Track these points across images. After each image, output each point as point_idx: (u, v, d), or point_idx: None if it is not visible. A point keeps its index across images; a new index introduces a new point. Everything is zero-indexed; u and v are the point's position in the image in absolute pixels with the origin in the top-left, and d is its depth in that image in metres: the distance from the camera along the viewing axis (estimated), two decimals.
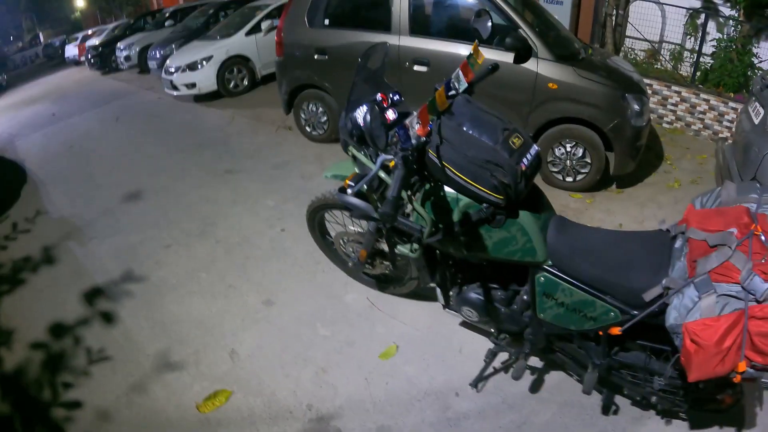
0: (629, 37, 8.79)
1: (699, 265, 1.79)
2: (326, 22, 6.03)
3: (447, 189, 2.28)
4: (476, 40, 2.32)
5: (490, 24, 2.36)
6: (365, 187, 2.10)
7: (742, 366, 1.69)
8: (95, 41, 17.67)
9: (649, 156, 5.67)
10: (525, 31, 4.64)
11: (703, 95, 6.58)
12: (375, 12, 5.74)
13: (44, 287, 4.47)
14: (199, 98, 9.88)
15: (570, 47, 5.07)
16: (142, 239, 4.90)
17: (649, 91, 6.91)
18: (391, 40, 5.34)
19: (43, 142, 9.43)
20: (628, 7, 8.62)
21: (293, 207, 4.94)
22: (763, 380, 1.75)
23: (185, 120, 9.01)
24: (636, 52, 8.68)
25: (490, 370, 2.87)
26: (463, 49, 4.89)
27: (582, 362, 2.50)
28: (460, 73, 2.19)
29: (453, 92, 2.22)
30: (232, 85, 9.88)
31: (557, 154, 4.87)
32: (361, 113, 2.35)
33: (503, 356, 2.92)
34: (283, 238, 4.52)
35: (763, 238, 1.74)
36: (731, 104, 6.31)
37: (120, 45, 14.88)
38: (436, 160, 2.15)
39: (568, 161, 4.85)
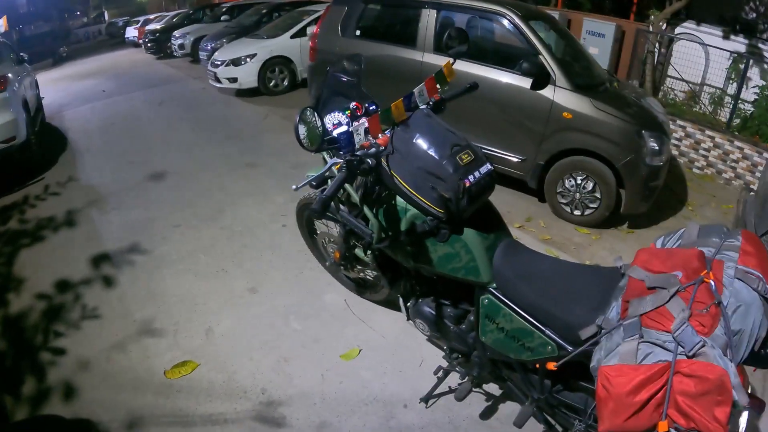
0: (670, 76, 8.62)
1: (631, 307, 1.64)
2: (358, 33, 6.20)
3: (399, 199, 2.31)
4: (450, 59, 2.38)
5: (465, 46, 2.42)
6: (319, 184, 2.15)
7: (663, 426, 1.48)
8: (154, 26, 18.33)
9: (670, 199, 5.55)
10: (545, 58, 4.63)
11: (737, 143, 6.37)
12: (404, 27, 5.87)
13: (60, 246, 4.76)
14: (240, 93, 10.14)
15: (591, 78, 5.03)
16: (156, 216, 5.13)
17: (683, 134, 6.80)
18: (416, 56, 5.47)
19: (88, 115, 9.80)
20: (672, 46, 8.48)
21: None
22: None
23: (222, 112, 9.26)
24: (675, 92, 8.51)
25: (444, 388, 2.83)
26: (485, 71, 4.93)
27: (526, 394, 2.39)
28: (424, 87, 2.25)
29: (421, 106, 2.28)
30: (272, 83, 10.09)
31: (567, 185, 4.81)
32: (329, 119, 2.42)
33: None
34: (282, 233, 4.64)
35: (713, 286, 1.55)
36: (766, 155, 6.05)
37: (176, 33, 15.33)
38: (387, 168, 2.19)
39: (577, 194, 4.78)
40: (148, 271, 4.20)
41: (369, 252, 2.66)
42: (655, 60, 8.43)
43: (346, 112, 2.38)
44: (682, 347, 1.47)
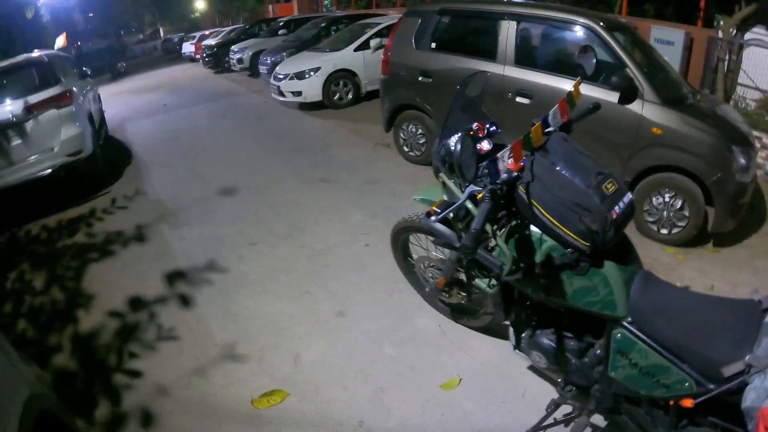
0: (741, 84, 8.30)
1: None
2: (433, 45, 6.09)
3: (533, 228, 2.21)
4: (578, 78, 2.27)
5: (594, 61, 2.31)
6: (451, 215, 2.07)
7: None
8: (211, 41, 18.81)
9: (751, 216, 5.31)
10: (632, 70, 4.49)
11: None
12: (482, 40, 5.75)
13: (131, 262, 4.77)
14: (304, 106, 10.20)
15: (678, 91, 4.85)
16: (230, 232, 5.10)
17: (758, 145, 6.54)
18: (496, 69, 5.33)
19: (151, 128, 10.01)
20: (742, 52, 8.18)
21: (380, 224, 4.95)
22: None
23: (287, 125, 9.31)
24: (747, 101, 8.19)
25: (550, 420, 2.69)
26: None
27: (646, 430, 2.30)
28: (558, 109, 2.14)
29: (550, 129, 2.17)
30: (336, 97, 10.12)
31: (654, 203, 4.63)
32: (454, 141, 2.33)
33: (566, 408, 2.73)
34: (365, 253, 4.54)
35: None
36: None
37: (234, 48, 15.62)
38: (525, 197, 2.08)
39: (665, 212, 4.60)
40: (226, 291, 4.14)
41: (494, 283, 2.54)
42: (726, 67, 8.13)
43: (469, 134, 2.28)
44: None
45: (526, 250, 2.24)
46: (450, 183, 2.43)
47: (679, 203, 4.51)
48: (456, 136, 2.35)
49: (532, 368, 3.05)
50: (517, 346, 2.70)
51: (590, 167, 2.04)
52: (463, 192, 2.19)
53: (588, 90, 4.59)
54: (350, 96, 10.25)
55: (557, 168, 2.01)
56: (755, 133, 6.53)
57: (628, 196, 2.07)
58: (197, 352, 3.49)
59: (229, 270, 4.43)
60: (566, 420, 2.63)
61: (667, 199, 4.56)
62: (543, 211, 2.04)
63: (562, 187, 2.00)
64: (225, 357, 3.42)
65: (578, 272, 2.10)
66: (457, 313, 3.47)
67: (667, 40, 8.56)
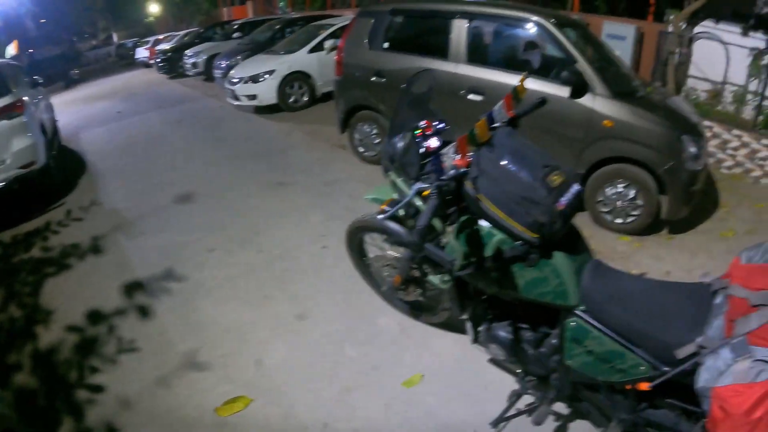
0: (692, 76, 8.54)
1: (737, 326, 1.64)
2: (386, 45, 6.11)
3: (482, 223, 2.23)
4: (524, 73, 2.31)
5: (540, 56, 2.35)
6: (402, 212, 2.09)
7: None
8: (165, 46, 18.51)
9: (704, 202, 5.45)
10: (582, 65, 4.55)
11: (764, 141, 6.33)
12: (434, 39, 5.76)
13: (88, 274, 4.67)
14: (259, 110, 10.11)
15: (628, 84, 4.95)
16: (187, 240, 5.03)
17: (709, 134, 6.73)
18: (449, 67, 5.38)
19: (106, 136, 9.84)
20: (692, 45, 8.41)
21: (338, 225, 4.91)
22: None
23: (243, 130, 9.23)
24: (698, 92, 8.43)
25: (513, 411, 2.73)
26: (518, 81, 4.79)
27: (607, 415, 2.35)
28: (503, 105, 2.17)
29: (497, 124, 2.19)
30: (291, 99, 10.09)
31: (608, 194, 4.72)
32: (398, 140, 2.35)
33: (529, 399, 2.77)
34: (324, 255, 4.53)
35: None
36: None
37: (188, 52, 15.44)
38: (473, 192, 2.11)
39: (618, 202, 4.70)
40: (186, 300, 4.09)
41: (447, 278, 2.56)
42: (676, 60, 8.34)
43: (417, 132, 2.30)
44: None
45: (476, 244, 2.26)
46: (399, 181, 2.45)
47: (632, 193, 4.61)
48: (401, 134, 2.36)
49: (493, 361, 3.08)
50: (476, 340, 2.73)
51: (536, 160, 2.07)
52: (411, 189, 2.20)
53: (539, 85, 4.68)
54: (305, 98, 10.23)
55: (503, 162, 2.04)
56: (707, 122, 6.74)
57: (575, 187, 2.10)
58: (159, 362, 3.44)
59: (187, 278, 4.38)
60: (529, 410, 2.66)
61: (620, 190, 4.65)
62: (491, 205, 2.07)
63: (509, 181, 2.03)
64: (187, 366, 3.37)
65: (529, 264, 2.14)
66: (417, 311, 3.48)
67: (619, 35, 8.74)
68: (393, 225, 2.74)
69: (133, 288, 4.32)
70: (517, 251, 2.13)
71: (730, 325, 1.68)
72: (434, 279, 2.67)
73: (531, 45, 2.38)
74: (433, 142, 2.19)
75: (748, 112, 7.61)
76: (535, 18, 4.87)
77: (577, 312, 2.16)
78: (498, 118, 2.17)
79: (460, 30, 5.33)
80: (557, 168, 2.08)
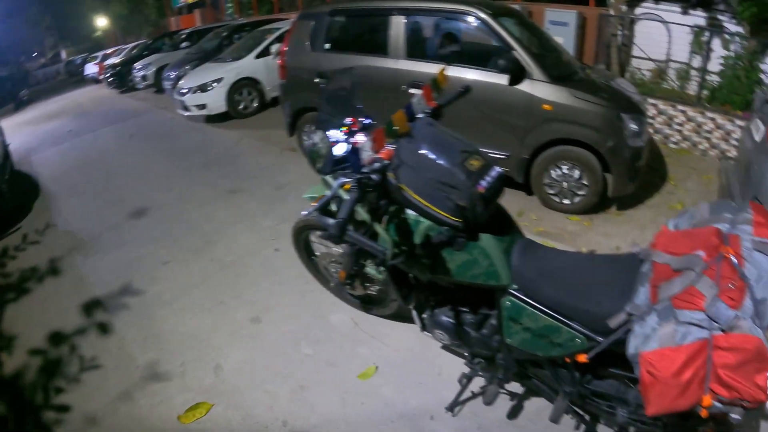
0: (635, 57, 8.71)
1: (661, 291, 1.70)
2: (327, 46, 6.14)
3: (409, 212, 2.28)
4: (443, 65, 2.37)
5: (457, 46, 2.42)
6: (333, 207, 2.13)
7: (707, 400, 1.55)
8: (114, 60, 18.15)
9: (652, 177, 5.62)
10: (519, 53, 4.63)
11: (709, 114, 6.48)
12: (373, 36, 5.83)
13: (48, 297, 4.62)
14: (210, 119, 10.02)
15: (566, 68, 5.07)
16: (143, 254, 5.01)
17: (655, 111, 6.88)
18: (389, 63, 5.43)
19: (58, 157, 9.67)
20: (634, 26, 8.58)
21: (289, 228, 4.83)
22: (732, 416, 1.59)
23: (195, 140, 9.17)
24: (642, 72, 8.59)
25: (467, 394, 2.81)
26: (459, 72, 4.85)
27: (556, 389, 2.41)
28: (422, 96, 2.23)
29: (420, 115, 2.25)
30: (241, 106, 10.01)
31: (554, 176, 4.83)
32: (316, 138, 2.39)
33: (482, 381, 2.83)
34: (276, 258, 4.56)
35: (734, 261, 1.62)
36: (738, 122, 6.16)
37: (137, 65, 15.19)
38: (395, 183, 2.17)
39: (564, 183, 4.81)
40: (143, 313, 4.09)
41: (382, 269, 2.61)
42: (619, 42, 8.51)
43: (343, 129, 2.35)
44: (717, 323, 1.53)
45: (405, 233, 2.31)
46: (328, 178, 2.50)
47: (577, 173, 4.72)
48: (326, 133, 2.41)
49: (446, 348, 3.14)
50: (423, 327, 2.78)
51: (455, 147, 2.13)
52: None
53: (480, 75, 4.78)
54: (255, 104, 10.16)
55: (422, 151, 2.10)
56: (652, 100, 6.89)
57: (495, 170, 2.16)
58: (121, 377, 3.44)
59: (144, 291, 4.37)
60: (483, 392, 2.73)
61: (565, 171, 4.77)
62: (413, 193, 2.13)
63: (428, 169, 2.08)
64: (148, 377, 3.39)
65: (457, 248, 2.19)
66: (368, 305, 3.53)
67: (561, 21, 8.85)
68: (325, 220, 2.79)
69: (91, 306, 4.29)
70: (444, 236, 2.18)
71: (654, 290, 1.73)
72: (372, 270, 2.72)
73: (446, 37, 2.45)
74: (360, 138, 2.24)
75: (692, 88, 7.77)
76: (469, 9, 4.93)
77: (510, 291, 2.22)
78: (417, 109, 2.23)
79: (398, 26, 5.38)
80: (476, 153, 2.15)
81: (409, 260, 2.36)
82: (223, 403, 3.08)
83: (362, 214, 2.40)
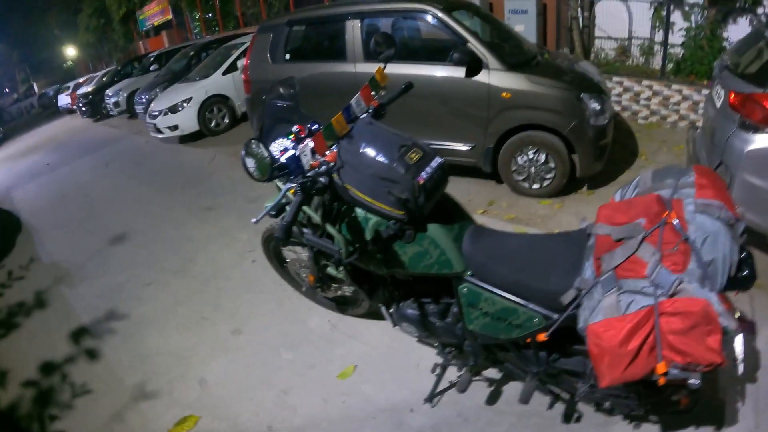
0: (598, 37, 8.79)
1: (604, 262, 1.71)
2: (287, 57, 6.20)
3: (358, 210, 2.34)
4: (381, 64, 2.43)
5: (393, 45, 2.48)
6: (278, 212, 2.18)
7: (662, 367, 1.56)
8: (86, 89, 18.01)
9: (623, 153, 5.67)
10: (473, 44, 4.72)
11: (675, 86, 6.53)
12: (331, 43, 5.91)
13: (36, 330, 4.67)
14: (184, 139, 10.06)
15: (522, 55, 5.12)
16: (126, 279, 5.06)
17: (621, 89, 6.94)
18: (348, 68, 5.51)
19: (37, 191, 9.69)
20: (594, 8, 8.66)
21: None
22: (690, 381, 1.61)
23: (170, 161, 9.21)
24: (606, 51, 8.69)
25: (444, 384, 2.84)
26: (419, 70, 4.96)
27: (525, 371, 2.43)
28: (361, 97, 2.28)
29: (363, 115, 2.31)
30: (213, 124, 10.05)
31: (520, 162, 4.87)
32: (275, 146, 2.44)
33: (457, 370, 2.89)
34: (253, 269, 4.61)
35: (677, 224, 1.63)
36: (704, 92, 6.20)
37: (108, 92, 15.10)
38: (340, 183, 2.23)
39: (531, 168, 4.85)
40: (129, 336, 4.14)
41: (341, 268, 2.67)
42: (581, 24, 8.58)
43: (290, 137, 2.40)
44: (661, 289, 1.55)
45: (356, 231, 2.37)
46: (279, 184, 2.55)
47: (543, 157, 4.76)
48: (275, 142, 2.46)
49: (421, 341, 3.18)
50: (393, 323, 2.83)
51: (393, 142, 2.18)
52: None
53: (437, 70, 4.83)
54: (226, 120, 10.21)
55: (361, 150, 2.16)
56: (617, 78, 6.94)
57: (436, 160, 2.21)
58: (111, 399, 3.50)
59: (129, 315, 4.42)
60: (458, 380, 2.74)
61: (531, 156, 4.81)
62: (357, 191, 2.19)
63: (368, 166, 2.14)
64: (138, 397, 3.45)
65: (406, 240, 2.25)
66: (342, 305, 3.58)
67: (521, 9, 8.91)
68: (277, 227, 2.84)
69: (79, 334, 4.34)
70: (392, 230, 2.23)
71: (598, 263, 1.75)
72: (332, 270, 2.78)
73: (380, 36, 2.50)
74: (309, 143, 2.29)
75: (657, 63, 7.83)
76: (420, 6, 5.02)
77: (465, 278, 2.27)
78: (357, 110, 2.28)
79: (353, 30, 5.45)
80: (415, 146, 2.20)
81: (363, 257, 2.41)
82: (210, 415, 3.14)
83: (315, 216, 2.46)
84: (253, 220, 2.07)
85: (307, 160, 2.09)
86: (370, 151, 2.15)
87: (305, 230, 2.61)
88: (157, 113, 9.80)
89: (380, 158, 2.13)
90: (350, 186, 2.21)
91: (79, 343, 4.22)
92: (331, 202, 2.39)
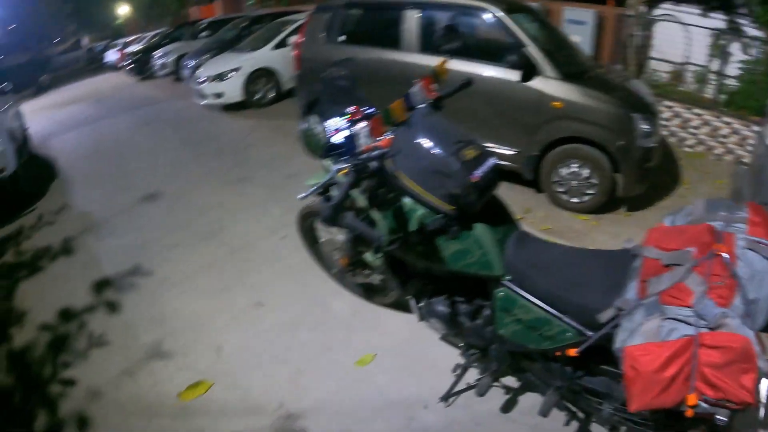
0: (653, 58, 8.64)
1: (650, 286, 1.66)
2: (342, 38, 6.21)
3: (405, 199, 2.31)
4: (445, 57, 2.39)
5: (459, 38, 2.43)
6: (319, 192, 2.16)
7: (692, 399, 1.49)
8: (135, 48, 18.25)
9: (665, 179, 5.57)
10: (531, 49, 4.64)
11: (725, 118, 6.42)
12: (387, 30, 5.85)
13: (59, 275, 4.73)
14: (227, 108, 10.08)
15: (577, 66, 5.05)
16: (154, 237, 5.10)
17: (671, 114, 6.83)
18: (402, 57, 5.48)
19: (76, 141, 9.81)
20: (652, 28, 8.52)
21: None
22: (718, 417, 1.52)
23: (210, 128, 9.25)
24: (659, 73, 8.53)
25: (462, 386, 2.80)
26: (471, 68, 4.89)
27: (548, 384, 2.38)
28: (421, 87, 2.25)
29: (421, 105, 2.28)
30: (257, 96, 10.06)
31: (563, 173, 4.81)
32: (329, 125, 2.42)
33: (477, 372, 2.82)
34: (283, 245, 4.60)
35: (726, 258, 1.57)
36: (755, 128, 6.07)
37: (156, 53, 15.33)
38: (392, 169, 2.20)
39: (573, 181, 4.78)
40: (151, 294, 4.17)
41: (379, 255, 2.64)
42: (637, 43, 8.44)
43: (345, 117, 2.38)
44: (704, 320, 1.48)
45: (400, 220, 2.33)
46: (327, 164, 2.53)
47: (586, 172, 4.68)
48: (329, 121, 2.44)
49: (443, 338, 3.14)
50: (421, 317, 2.79)
51: (451, 137, 2.15)
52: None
53: (491, 70, 4.78)
54: (271, 94, 10.20)
55: (418, 140, 2.13)
56: (668, 102, 6.83)
57: (491, 161, 2.19)
58: (125, 354, 3.53)
59: (153, 274, 4.45)
60: (476, 384, 2.69)
61: (574, 169, 4.73)
62: (409, 180, 2.15)
63: (424, 157, 2.11)
64: (152, 356, 3.47)
65: (451, 236, 2.21)
66: (369, 293, 3.55)
67: (579, 20, 8.82)
68: (323, 205, 2.81)
69: (102, 285, 4.39)
70: (438, 224, 2.20)
71: (643, 286, 1.70)
72: (369, 257, 2.75)
73: (447, 28, 2.46)
74: (365, 126, 2.27)
75: (709, 92, 7.70)
76: (483, 5, 4.97)
77: (504, 282, 2.22)
78: (416, 99, 2.25)
79: (411, 20, 5.42)
80: (471, 143, 2.17)
81: (403, 247, 2.38)
82: (222, 383, 3.14)
83: (361, 200, 2.43)
84: (300, 196, 2.05)
85: (362, 142, 2.06)
86: (427, 142, 2.12)
87: (347, 213, 2.58)
88: (203, 79, 9.85)
89: (436, 150, 2.10)
90: (402, 174, 2.17)
91: (101, 295, 4.26)
92: (377, 188, 2.36)
